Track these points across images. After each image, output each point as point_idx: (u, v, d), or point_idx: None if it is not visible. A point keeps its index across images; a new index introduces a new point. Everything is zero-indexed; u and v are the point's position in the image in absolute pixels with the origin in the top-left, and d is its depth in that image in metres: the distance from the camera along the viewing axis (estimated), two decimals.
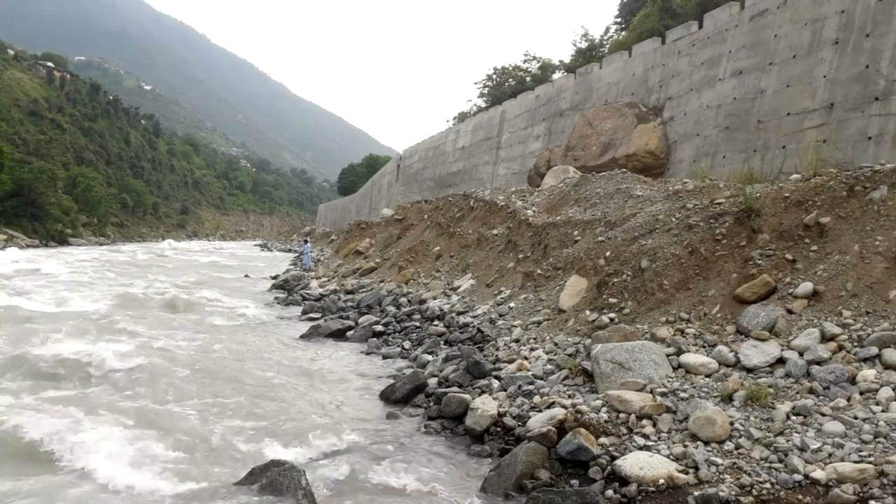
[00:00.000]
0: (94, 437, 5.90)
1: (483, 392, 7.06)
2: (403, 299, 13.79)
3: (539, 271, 10.70)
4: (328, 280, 20.65)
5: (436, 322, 11.31)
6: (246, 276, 25.97)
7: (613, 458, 4.96)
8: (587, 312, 8.18)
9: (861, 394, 5.08)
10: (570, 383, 6.68)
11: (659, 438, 5.16)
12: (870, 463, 4.20)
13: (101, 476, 5.17)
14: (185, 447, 5.83)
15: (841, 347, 5.64)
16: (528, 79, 40.88)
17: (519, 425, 6.02)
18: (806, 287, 6.37)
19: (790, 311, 6.30)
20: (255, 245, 72.20)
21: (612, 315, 7.71)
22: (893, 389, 4.98)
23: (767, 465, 4.51)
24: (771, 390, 5.35)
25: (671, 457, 4.82)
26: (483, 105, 43.99)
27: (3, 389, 7.28)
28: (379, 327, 11.90)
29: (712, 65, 17.74)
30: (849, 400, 5.05)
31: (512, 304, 10.35)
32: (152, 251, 44.06)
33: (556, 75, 36.44)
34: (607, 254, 9.02)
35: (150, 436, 6.01)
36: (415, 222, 21.49)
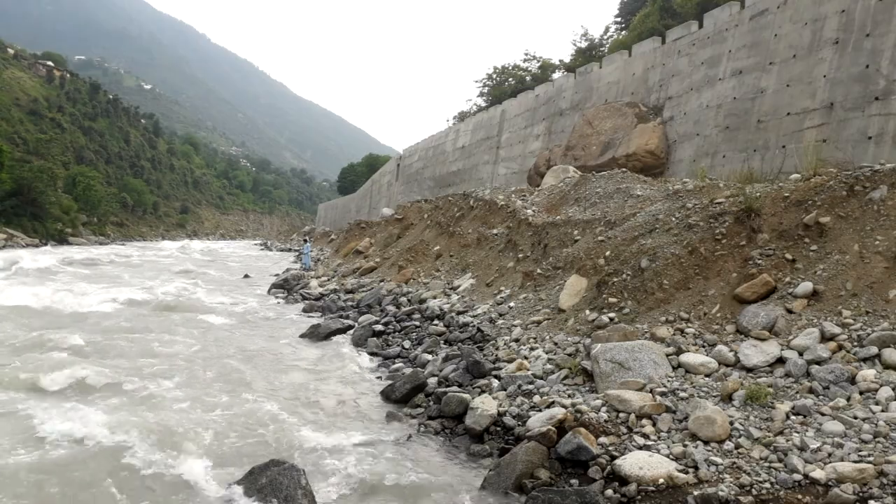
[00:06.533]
0: (95, 432, 5.91)
1: (483, 391, 7.06)
2: (403, 299, 13.79)
3: (539, 271, 10.70)
4: (328, 279, 20.66)
5: (436, 321, 11.31)
6: (246, 276, 25.96)
7: (613, 458, 4.97)
8: (587, 312, 8.18)
9: (861, 393, 5.08)
10: (570, 383, 6.68)
11: (659, 438, 5.16)
12: (869, 463, 4.20)
13: (100, 474, 5.17)
14: (183, 447, 5.83)
15: (841, 347, 5.64)
16: (528, 78, 40.87)
17: (519, 425, 6.03)
18: (806, 287, 6.37)
19: (790, 311, 6.30)
20: (255, 244, 72.27)
21: (612, 315, 7.71)
22: (893, 389, 4.98)
23: (767, 464, 4.51)
24: (770, 390, 5.35)
25: (671, 456, 4.82)
26: (483, 104, 43.97)
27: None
28: (379, 327, 11.89)
29: (712, 64, 17.73)
30: (848, 400, 5.06)
31: (512, 304, 10.35)
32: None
33: (556, 75, 36.43)
34: (607, 253, 9.02)
35: (148, 435, 6.01)
36: (415, 222, 21.49)
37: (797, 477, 4.26)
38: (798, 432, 4.76)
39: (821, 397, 5.21)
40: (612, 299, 7.98)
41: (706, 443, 4.92)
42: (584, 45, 38.06)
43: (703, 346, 6.51)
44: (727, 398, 5.47)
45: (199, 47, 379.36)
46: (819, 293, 6.30)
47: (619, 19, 38.05)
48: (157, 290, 18.19)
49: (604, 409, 5.67)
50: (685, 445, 4.92)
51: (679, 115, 18.78)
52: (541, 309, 9.48)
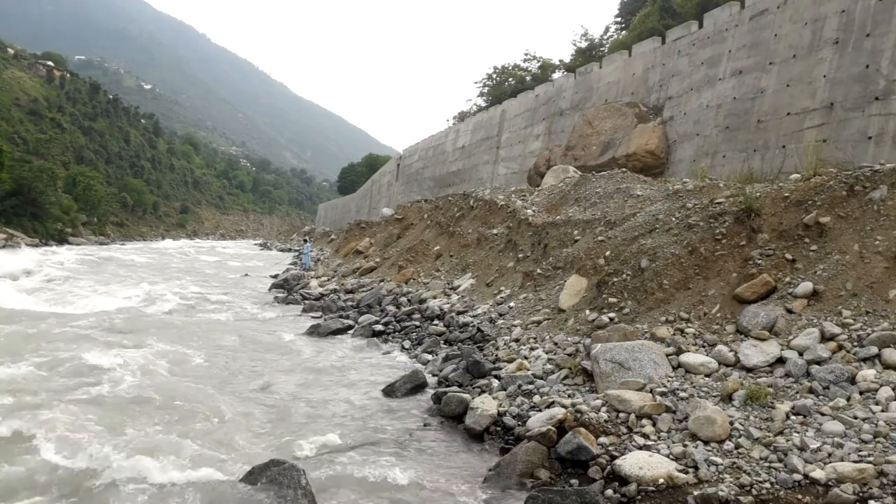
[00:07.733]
0: (99, 431, 5.91)
1: (483, 391, 7.07)
2: (403, 299, 13.79)
3: (539, 271, 10.71)
4: (328, 279, 20.65)
5: (435, 321, 11.31)
6: (245, 275, 25.97)
7: (613, 458, 4.96)
8: (587, 312, 8.18)
9: (861, 393, 5.08)
10: (570, 383, 6.68)
11: (659, 438, 5.16)
12: (869, 463, 4.20)
13: (104, 471, 5.17)
14: (184, 446, 5.82)
15: (841, 347, 5.64)
16: (528, 78, 40.88)
17: (519, 425, 6.03)
18: (806, 287, 6.37)
19: (790, 311, 6.30)
20: (255, 244, 72.33)
21: (612, 315, 7.72)
22: (893, 389, 4.99)
23: (767, 464, 4.51)
24: (770, 390, 5.35)
25: (671, 456, 4.82)
26: (483, 104, 43.98)
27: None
28: (379, 327, 11.90)
29: (712, 64, 17.73)
30: (848, 400, 5.06)
31: (512, 304, 10.35)
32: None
33: (556, 75, 36.44)
34: (607, 253, 9.02)
35: (149, 434, 6.01)
36: (415, 222, 21.49)
37: (797, 477, 4.26)
38: (798, 432, 4.76)
39: (821, 397, 5.21)
40: (612, 299, 7.98)
41: (706, 443, 4.92)
42: (584, 45, 38.08)
43: (703, 346, 6.51)
44: (727, 398, 5.47)
45: (199, 47, 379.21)
46: (819, 293, 6.30)
47: (619, 19, 38.07)
48: (158, 289, 18.21)
49: (604, 409, 5.67)
50: (685, 445, 4.92)
51: (679, 115, 18.78)
52: (541, 309, 9.48)
